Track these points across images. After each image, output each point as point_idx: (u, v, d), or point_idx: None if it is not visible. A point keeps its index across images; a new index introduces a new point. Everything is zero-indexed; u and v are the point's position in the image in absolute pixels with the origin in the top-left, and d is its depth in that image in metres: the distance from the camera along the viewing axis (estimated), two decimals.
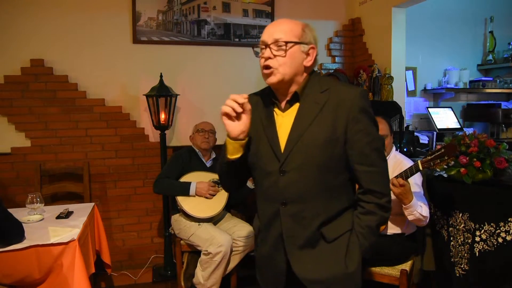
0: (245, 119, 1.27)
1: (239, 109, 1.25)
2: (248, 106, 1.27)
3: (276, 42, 1.24)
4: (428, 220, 2.09)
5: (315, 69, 1.39)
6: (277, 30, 1.26)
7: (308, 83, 1.31)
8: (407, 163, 2.22)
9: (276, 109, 1.35)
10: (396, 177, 1.99)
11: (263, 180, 1.34)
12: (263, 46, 1.28)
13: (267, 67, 1.26)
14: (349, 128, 1.25)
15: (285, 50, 1.24)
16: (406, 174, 1.99)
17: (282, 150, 1.28)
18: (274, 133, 1.31)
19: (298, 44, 1.26)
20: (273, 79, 1.27)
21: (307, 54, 1.29)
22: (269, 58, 1.26)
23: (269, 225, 1.36)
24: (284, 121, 1.31)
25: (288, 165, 1.27)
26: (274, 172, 1.29)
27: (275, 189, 1.30)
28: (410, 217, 2.04)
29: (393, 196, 2.08)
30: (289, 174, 1.27)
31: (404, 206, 2.02)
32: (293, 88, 1.30)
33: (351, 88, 1.31)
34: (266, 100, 1.37)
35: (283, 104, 1.34)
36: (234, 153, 1.31)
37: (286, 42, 1.24)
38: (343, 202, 1.32)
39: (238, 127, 1.27)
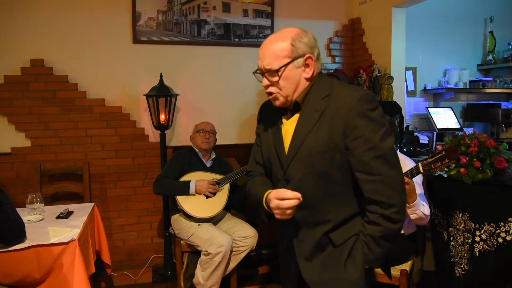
0: None
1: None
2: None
3: (268, 71, 1.26)
4: (428, 219, 2.10)
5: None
6: (267, 56, 1.25)
7: (312, 88, 1.28)
8: (408, 162, 2.22)
9: (283, 117, 1.37)
10: None
11: (276, 186, 1.37)
12: (260, 73, 1.30)
13: (269, 93, 1.30)
14: (347, 134, 1.20)
15: (279, 77, 1.25)
16: (407, 176, 1.99)
17: (285, 158, 1.31)
18: (280, 142, 1.33)
19: (290, 64, 1.23)
20: (277, 103, 1.31)
21: (305, 65, 1.26)
22: (268, 85, 1.28)
23: (283, 226, 1.42)
24: (288, 129, 1.33)
25: (290, 174, 1.30)
26: (281, 179, 1.33)
27: None
28: (412, 216, 2.05)
29: None
30: (292, 182, 1.30)
31: (407, 205, 2.02)
32: (295, 97, 1.30)
33: (351, 92, 1.22)
34: (275, 108, 1.38)
35: (288, 112, 1.35)
36: None
37: (277, 70, 1.24)
38: (352, 208, 1.29)
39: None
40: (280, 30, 1.29)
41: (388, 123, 1.24)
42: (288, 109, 1.33)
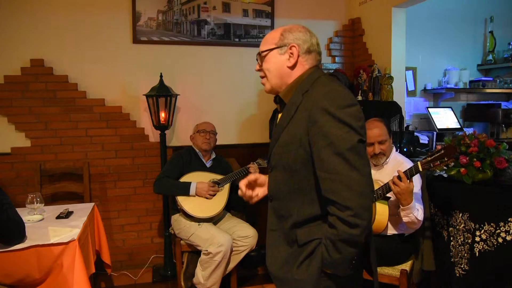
0: (261, 183, 1.47)
1: (249, 193, 1.47)
2: (252, 177, 1.46)
3: (258, 54, 1.37)
4: (420, 224, 2.09)
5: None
6: (261, 44, 1.37)
7: (300, 84, 1.30)
8: (407, 164, 2.21)
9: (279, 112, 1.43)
10: (398, 177, 1.98)
11: None
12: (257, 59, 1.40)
13: (261, 78, 1.39)
14: (309, 129, 1.19)
15: (262, 59, 1.35)
16: (406, 175, 1.98)
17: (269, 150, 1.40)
18: (272, 133, 1.41)
19: (273, 50, 1.32)
20: (265, 89, 1.40)
21: (290, 54, 1.31)
22: (258, 69, 1.38)
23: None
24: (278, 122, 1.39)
25: (271, 164, 1.37)
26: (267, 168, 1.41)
27: (268, 184, 1.42)
28: (405, 219, 2.04)
29: (393, 196, 2.09)
30: (272, 172, 1.36)
31: (401, 207, 2.01)
32: (279, 86, 1.36)
33: (321, 87, 1.23)
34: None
35: (279, 106, 1.41)
36: None
37: (260, 53, 1.35)
38: (317, 208, 1.25)
39: (264, 192, 1.47)
40: None
41: (362, 125, 1.19)
42: (280, 104, 1.40)
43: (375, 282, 1.42)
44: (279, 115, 1.38)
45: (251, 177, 1.45)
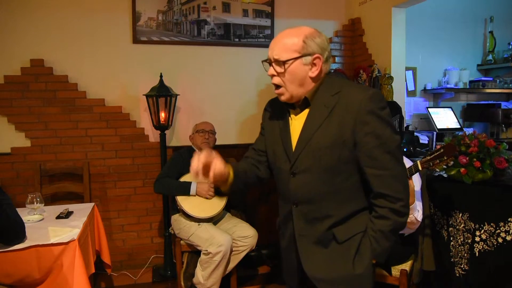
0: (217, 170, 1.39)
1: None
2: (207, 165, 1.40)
3: (276, 60, 1.28)
4: (419, 225, 2.09)
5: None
6: (277, 47, 1.28)
7: (321, 86, 1.31)
8: (408, 164, 2.21)
9: (291, 112, 1.39)
10: None
11: (279, 180, 1.43)
12: (268, 62, 1.33)
13: (276, 86, 1.33)
14: (357, 130, 1.23)
15: (285, 69, 1.27)
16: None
17: (293, 152, 1.34)
18: (287, 136, 1.36)
19: (298, 59, 1.26)
20: (282, 98, 1.34)
21: (312, 64, 1.28)
22: (274, 75, 1.31)
23: (285, 222, 1.44)
24: (296, 124, 1.35)
25: (298, 167, 1.32)
26: (286, 172, 1.36)
27: (287, 189, 1.37)
28: None
29: None
30: (299, 176, 1.32)
31: None
32: (304, 94, 1.32)
33: (362, 90, 1.26)
34: (283, 104, 1.40)
35: (296, 108, 1.38)
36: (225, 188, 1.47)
37: (284, 61, 1.26)
38: (356, 204, 1.32)
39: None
40: (296, 27, 1.31)
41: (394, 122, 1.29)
42: (297, 105, 1.36)
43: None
44: (295, 116, 1.36)
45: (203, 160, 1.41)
